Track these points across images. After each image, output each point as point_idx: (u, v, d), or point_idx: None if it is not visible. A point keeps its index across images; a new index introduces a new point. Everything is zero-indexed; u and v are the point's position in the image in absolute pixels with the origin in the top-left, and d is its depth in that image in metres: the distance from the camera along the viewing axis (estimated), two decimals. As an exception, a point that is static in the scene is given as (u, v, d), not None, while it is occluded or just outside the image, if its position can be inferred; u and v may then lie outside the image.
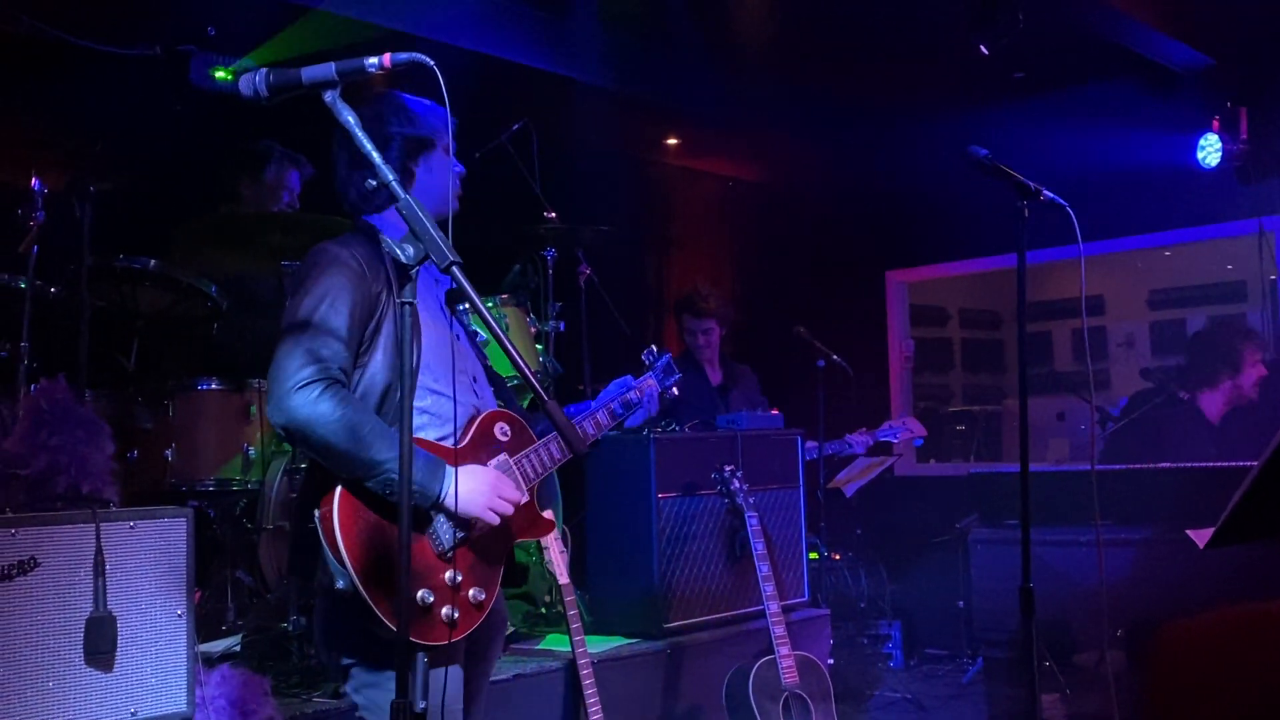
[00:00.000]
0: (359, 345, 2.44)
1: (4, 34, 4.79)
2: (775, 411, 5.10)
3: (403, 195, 2.07)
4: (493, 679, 3.64)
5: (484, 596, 2.47)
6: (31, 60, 4.95)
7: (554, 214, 5.14)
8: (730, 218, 8.63)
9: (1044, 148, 5.87)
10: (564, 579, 3.66)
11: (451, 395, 2.50)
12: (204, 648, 3.40)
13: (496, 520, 2.46)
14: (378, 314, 2.46)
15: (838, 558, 6.44)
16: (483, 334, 4.46)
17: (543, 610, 4.38)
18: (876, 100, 7.00)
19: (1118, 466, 4.59)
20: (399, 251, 2.06)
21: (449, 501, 2.39)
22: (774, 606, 3.99)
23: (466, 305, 4.41)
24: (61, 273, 3.85)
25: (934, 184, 6.81)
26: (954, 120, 6.54)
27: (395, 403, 2.41)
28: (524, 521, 2.60)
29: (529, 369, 2.07)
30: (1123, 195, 6.54)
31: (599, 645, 4.05)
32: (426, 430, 2.48)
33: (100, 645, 2.88)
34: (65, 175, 3.79)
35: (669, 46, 6.22)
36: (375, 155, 2.08)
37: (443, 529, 2.42)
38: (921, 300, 8.76)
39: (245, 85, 2.12)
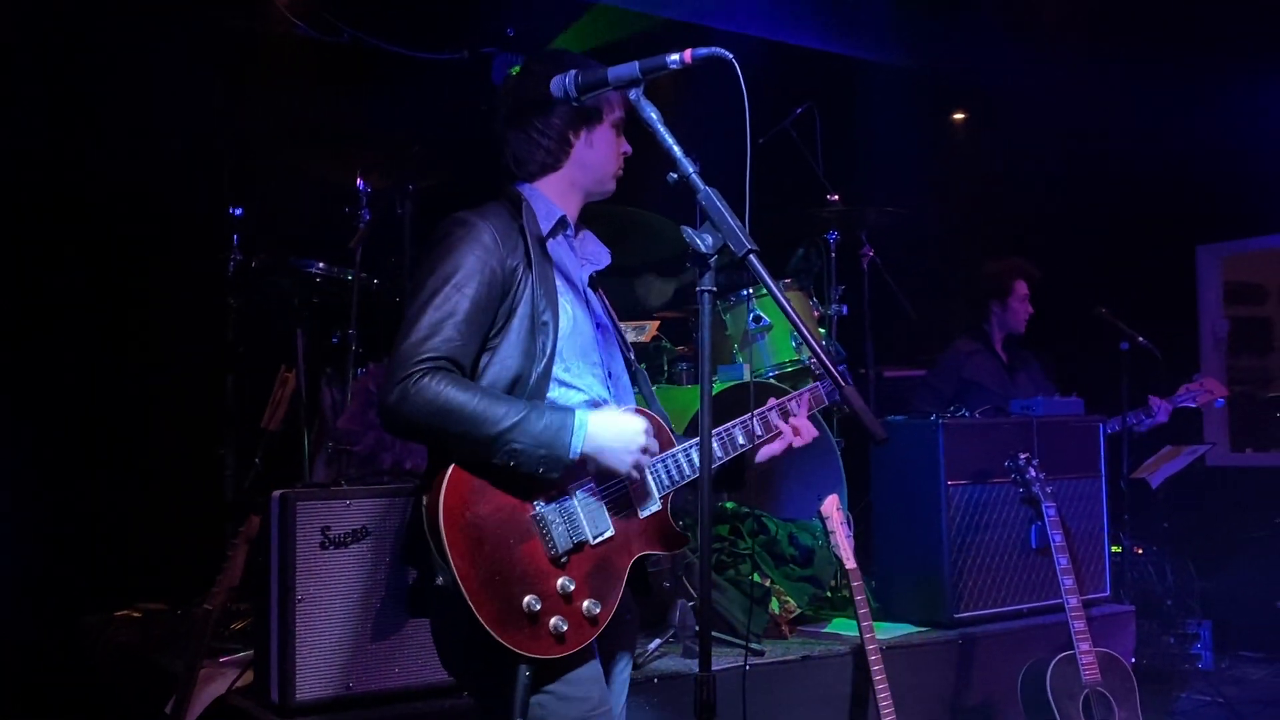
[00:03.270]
0: (488, 328, 2.24)
1: (329, 46, 5.24)
2: (1075, 396, 4.86)
3: (701, 187, 2.12)
4: (781, 659, 3.72)
5: (599, 610, 2.20)
6: (353, 69, 5.40)
7: (836, 197, 5.11)
8: (1021, 194, 8.26)
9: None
10: (850, 563, 3.65)
11: (584, 388, 2.31)
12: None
13: (637, 475, 2.25)
14: (513, 294, 2.26)
15: (1141, 552, 6.07)
16: (767, 319, 4.55)
17: (828, 594, 4.38)
18: (1185, 57, 6.50)
19: None
20: (698, 241, 2.11)
21: (594, 450, 2.17)
22: (1073, 600, 3.83)
23: (750, 290, 4.53)
24: (383, 265, 4.19)
25: (1252, 147, 6.27)
26: (1277, 76, 5.99)
27: (525, 392, 2.22)
28: (654, 534, 2.33)
29: (826, 354, 2.07)
30: None
31: (887, 631, 4.02)
32: None
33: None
34: (386, 175, 4.10)
35: (963, 16, 6.03)
36: (676, 149, 2.13)
37: (557, 528, 2.19)
38: (1235, 277, 8.10)
39: (555, 87, 2.24)
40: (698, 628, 3.70)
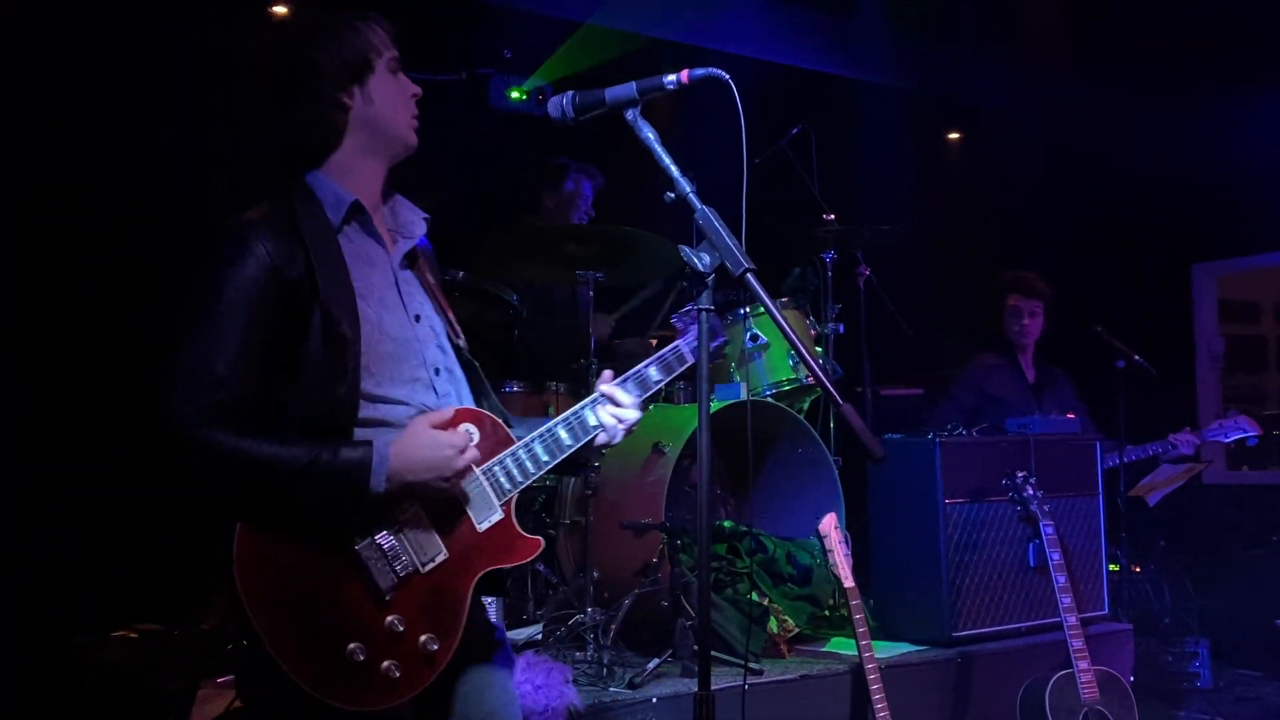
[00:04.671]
0: (276, 357, 1.96)
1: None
2: (1072, 416, 4.88)
3: (699, 205, 2.13)
4: (779, 679, 3.71)
5: (437, 647, 1.98)
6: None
7: (833, 216, 5.13)
8: (1015, 212, 8.29)
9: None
10: (849, 582, 3.65)
11: (404, 399, 2.06)
12: (510, 635, 3.62)
13: (459, 492, 2.03)
14: (300, 312, 1.96)
15: (1139, 570, 6.07)
16: (764, 338, 4.56)
17: (826, 613, 4.37)
18: (1179, 76, 6.55)
19: None
20: (696, 260, 2.12)
21: (401, 479, 1.93)
22: (1072, 618, 3.83)
23: (747, 309, 4.54)
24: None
25: (1245, 167, 6.30)
26: (1270, 96, 6.03)
27: (335, 420, 1.97)
28: (499, 546, 2.09)
29: (823, 373, 2.08)
30: None
31: (886, 650, 4.01)
32: None
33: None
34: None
35: (956, 39, 6.08)
36: (674, 169, 2.14)
37: (376, 564, 1.95)
38: (1230, 295, 8.13)
39: (553, 108, 2.25)
40: (696, 647, 3.69)
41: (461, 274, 4.19)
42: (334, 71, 2.08)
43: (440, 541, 2.04)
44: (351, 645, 1.90)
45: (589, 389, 3.97)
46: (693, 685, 3.50)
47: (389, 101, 2.15)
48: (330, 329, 1.97)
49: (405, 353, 2.09)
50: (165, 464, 1.89)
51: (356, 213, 2.14)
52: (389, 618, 1.94)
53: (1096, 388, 5.67)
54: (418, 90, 2.21)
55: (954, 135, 7.65)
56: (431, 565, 2.02)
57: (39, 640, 4.27)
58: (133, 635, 4.17)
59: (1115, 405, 5.46)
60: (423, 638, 1.97)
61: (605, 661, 3.62)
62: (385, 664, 1.92)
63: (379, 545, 1.97)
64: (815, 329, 4.81)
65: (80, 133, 4.54)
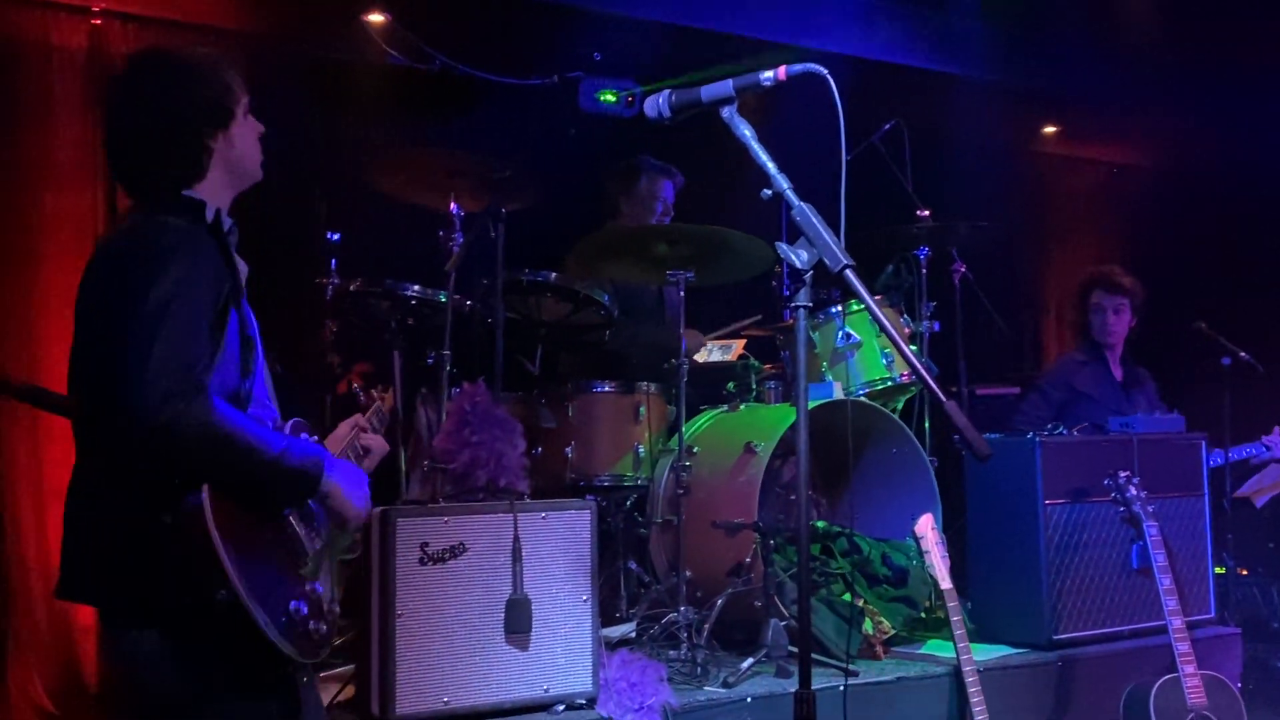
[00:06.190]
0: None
1: (421, 74, 5.37)
2: (1175, 413, 4.75)
3: (796, 202, 2.13)
4: (875, 680, 3.68)
5: (337, 611, 2.27)
6: (445, 97, 5.52)
7: (927, 212, 5.06)
8: (1114, 207, 8.12)
9: None
10: (946, 583, 3.61)
11: (269, 402, 2.28)
12: (604, 632, 3.65)
13: (362, 523, 2.32)
14: (226, 307, 2.13)
15: (1246, 573, 5.89)
16: (856, 336, 4.52)
17: (922, 615, 4.32)
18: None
19: None
20: (793, 257, 2.11)
21: (333, 490, 2.20)
22: (1177, 622, 3.74)
23: (840, 308, 4.51)
24: (474, 287, 4.25)
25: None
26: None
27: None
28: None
29: (929, 370, 2.06)
30: None
31: (984, 653, 3.95)
32: None
33: (518, 624, 3.16)
34: (478, 199, 4.17)
35: (1052, 30, 5.96)
36: (771, 166, 2.15)
37: (302, 530, 2.19)
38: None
39: (650, 108, 2.26)
40: (791, 647, 3.68)
41: (554, 275, 4.22)
42: (199, 117, 2.20)
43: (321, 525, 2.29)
44: (294, 603, 2.09)
45: (679, 390, 4.03)
46: (786, 686, 3.52)
47: (247, 143, 2.29)
48: (244, 328, 2.16)
49: (262, 360, 2.28)
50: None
51: (231, 232, 2.28)
52: (309, 583, 2.17)
53: (1199, 386, 5.52)
54: (262, 128, 2.34)
55: (1050, 129, 7.50)
56: (322, 542, 2.27)
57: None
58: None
59: (1217, 405, 5.30)
60: (329, 603, 2.22)
61: (699, 660, 3.62)
62: (313, 623, 2.12)
63: (305, 515, 2.21)
64: (909, 327, 4.75)
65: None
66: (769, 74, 2.14)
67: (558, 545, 3.27)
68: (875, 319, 2.04)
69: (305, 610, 2.09)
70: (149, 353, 1.94)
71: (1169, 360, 6.04)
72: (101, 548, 2.05)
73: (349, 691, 3.31)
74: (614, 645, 3.68)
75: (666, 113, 2.25)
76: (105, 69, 4.94)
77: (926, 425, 4.86)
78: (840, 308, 4.51)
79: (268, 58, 5.33)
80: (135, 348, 1.94)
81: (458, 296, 4.09)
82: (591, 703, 3.26)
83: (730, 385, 4.66)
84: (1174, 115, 6.94)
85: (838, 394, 4.26)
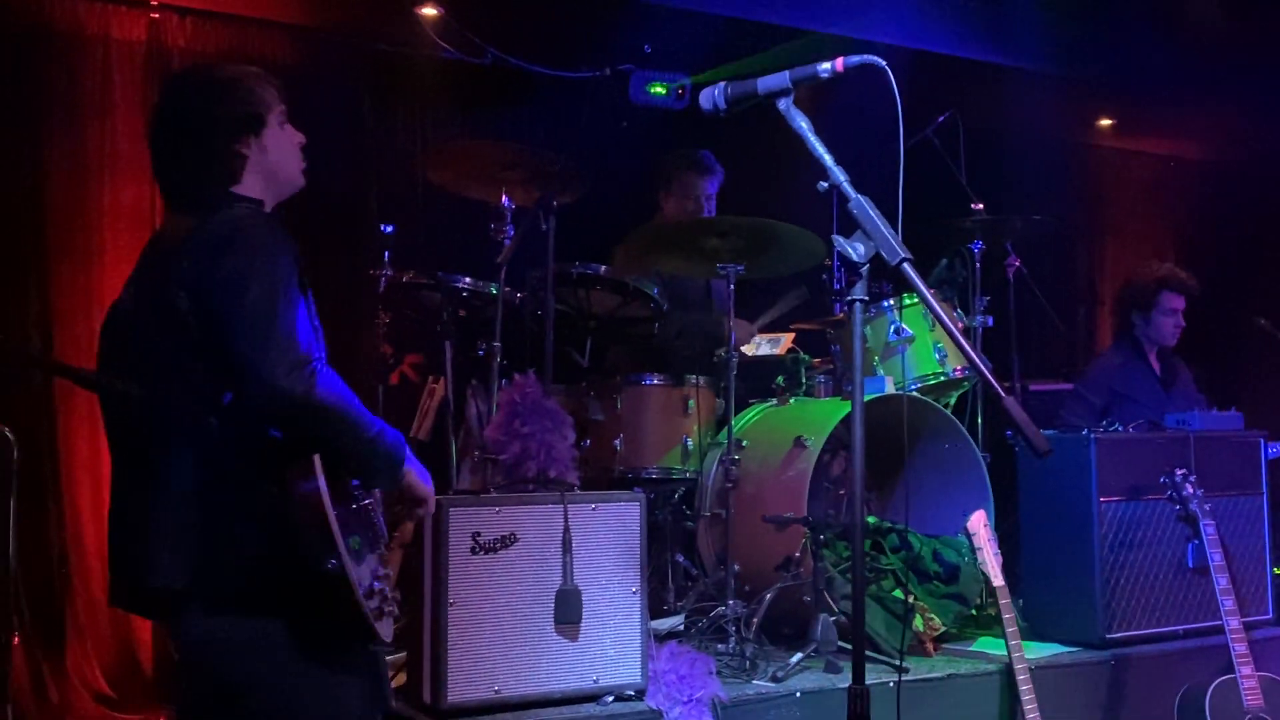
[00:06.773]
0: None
1: (474, 68, 5.40)
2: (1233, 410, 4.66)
3: (853, 195, 2.12)
4: (926, 677, 3.66)
5: (399, 596, 2.30)
6: (497, 89, 5.55)
7: (981, 205, 5.01)
8: (1170, 200, 8.00)
9: None
10: (999, 580, 3.58)
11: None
12: (653, 625, 3.65)
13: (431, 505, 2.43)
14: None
15: (1305, 574, 5.78)
16: (909, 330, 4.49)
17: (973, 612, 4.29)
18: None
19: None
20: (850, 250, 2.10)
21: (413, 472, 2.32)
22: (1234, 622, 3.69)
23: (891, 302, 4.47)
24: (524, 279, 4.27)
25: None
26: None
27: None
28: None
29: (984, 364, 2.04)
30: None
31: (1036, 651, 3.91)
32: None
33: (568, 615, 3.18)
34: (530, 192, 4.19)
35: (1110, 19, 5.86)
36: (827, 158, 2.13)
37: (378, 516, 2.29)
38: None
39: (705, 100, 2.26)
40: (840, 643, 3.66)
41: (604, 268, 4.23)
42: (230, 123, 2.28)
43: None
44: (373, 581, 2.16)
45: (728, 382, 4.01)
46: (835, 681, 3.51)
47: (283, 150, 2.36)
48: (310, 317, 2.23)
49: None
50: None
51: None
52: (381, 568, 2.24)
53: (1258, 382, 5.42)
54: (303, 138, 2.41)
55: (1106, 122, 7.39)
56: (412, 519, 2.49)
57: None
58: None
59: (1276, 401, 5.20)
60: (390, 589, 2.25)
61: (748, 654, 3.62)
62: (384, 604, 2.19)
63: (377, 504, 2.29)
64: (962, 321, 4.71)
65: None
66: (826, 66, 2.13)
67: (607, 537, 3.28)
68: (933, 313, 2.02)
69: (388, 591, 2.17)
70: (272, 329, 2.04)
71: (1226, 355, 5.95)
72: (199, 529, 2.09)
73: (400, 679, 3.35)
74: (662, 638, 3.68)
75: (722, 105, 2.24)
76: (164, 62, 5.03)
77: (979, 421, 4.81)
78: (893, 301, 4.48)
79: (322, 52, 5.40)
80: (257, 325, 2.04)
81: (509, 289, 4.11)
82: (640, 694, 3.26)
83: (779, 379, 4.64)
84: (1233, 106, 6.82)
85: (889, 389, 4.23)
